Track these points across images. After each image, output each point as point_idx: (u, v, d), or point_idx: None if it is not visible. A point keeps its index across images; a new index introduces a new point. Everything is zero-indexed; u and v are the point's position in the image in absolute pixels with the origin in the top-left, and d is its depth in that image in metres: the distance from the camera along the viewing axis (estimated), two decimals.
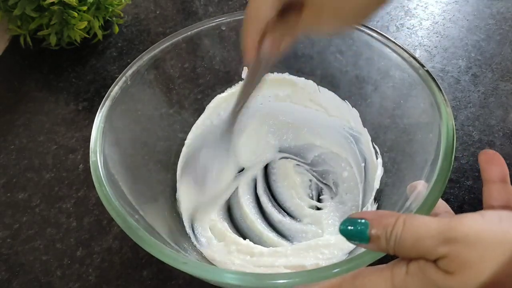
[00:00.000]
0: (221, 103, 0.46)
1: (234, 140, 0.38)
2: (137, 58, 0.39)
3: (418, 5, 0.63)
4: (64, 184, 0.48)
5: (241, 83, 0.46)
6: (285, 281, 0.25)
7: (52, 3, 0.54)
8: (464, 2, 0.63)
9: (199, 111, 0.46)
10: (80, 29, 0.57)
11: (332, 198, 0.44)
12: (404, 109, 0.39)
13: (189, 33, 0.42)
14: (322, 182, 0.46)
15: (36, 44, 0.61)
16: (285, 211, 0.44)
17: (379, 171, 0.40)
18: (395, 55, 0.37)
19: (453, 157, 0.30)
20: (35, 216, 0.46)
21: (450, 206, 0.32)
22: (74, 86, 0.58)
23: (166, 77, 0.42)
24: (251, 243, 0.39)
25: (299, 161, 0.47)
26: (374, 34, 0.38)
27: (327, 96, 0.45)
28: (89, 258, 0.43)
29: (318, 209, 0.43)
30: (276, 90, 0.47)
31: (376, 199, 0.39)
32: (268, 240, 0.41)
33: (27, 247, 0.44)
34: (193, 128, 0.45)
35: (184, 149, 0.44)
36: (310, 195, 0.45)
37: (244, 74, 0.46)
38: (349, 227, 0.26)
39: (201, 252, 0.39)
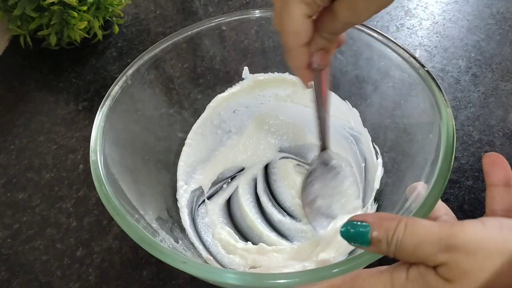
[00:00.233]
0: (221, 103, 0.46)
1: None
2: (137, 58, 0.39)
3: (418, 5, 0.63)
4: (64, 184, 0.48)
5: (241, 82, 0.46)
6: (285, 281, 0.25)
7: (52, 3, 0.54)
8: (464, 2, 0.63)
9: (199, 111, 0.46)
10: (80, 29, 0.57)
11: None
12: (404, 109, 0.39)
13: (189, 33, 0.42)
14: None
15: (36, 44, 0.61)
16: (285, 211, 0.44)
17: (379, 171, 0.40)
18: (395, 55, 0.37)
19: (453, 157, 0.30)
20: (35, 216, 0.46)
21: (450, 206, 0.32)
22: (74, 86, 0.58)
23: (166, 76, 0.42)
24: (251, 246, 0.39)
25: (299, 161, 0.47)
26: (374, 34, 0.38)
27: None
28: (89, 258, 0.43)
29: None
30: (277, 90, 0.47)
31: (376, 199, 0.39)
32: (268, 239, 0.41)
33: (27, 247, 0.44)
34: (193, 127, 0.45)
35: (184, 149, 0.44)
36: None
37: (244, 74, 0.46)
38: (350, 230, 0.26)
39: (200, 253, 0.39)
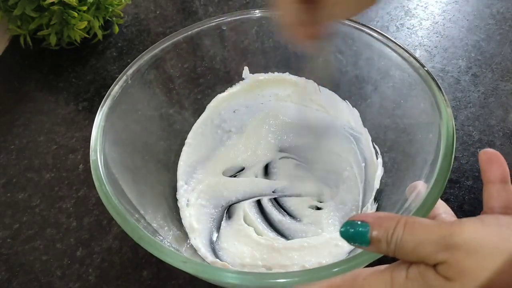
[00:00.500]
0: (221, 103, 0.46)
1: None
2: (137, 58, 0.39)
3: (418, 5, 0.63)
4: (64, 184, 0.48)
5: (241, 82, 0.46)
6: (284, 280, 0.25)
7: (52, 3, 0.54)
8: (464, 2, 0.63)
9: (199, 110, 0.46)
10: (80, 29, 0.57)
11: (332, 198, 0.44)
12: (404, 109, 0.39)
13: (189, 33, 0.42)
14: None
15: (36, 44, 0.61)
16: (285, 210, 0.44)
17: (379, 171, 0.40)
18: (395, 55, 0.37)
19: (453, 157, 0.30)
20: (35, 216, 0.46)
21: (450, 206, 0.32)
22: (74, 86, 0.58)
23: (166, 76, 0.42)
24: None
25: (299, 161, 0.47)
26: (374, 34, 0.38)
27: (327, 96, 0.45)
28: (89, 258, 0.43)
29: (318, 209, 0.43)
30: (277, 89, 0.47)
31: (376, 199, 0.39)
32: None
33: (27, 247, 0.44)
34: (194, 127, 0.45)
35: (184, 149, 0.44)
36: None
37: (244, 74, 0.46)
38: (350, 230, 0.26)
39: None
